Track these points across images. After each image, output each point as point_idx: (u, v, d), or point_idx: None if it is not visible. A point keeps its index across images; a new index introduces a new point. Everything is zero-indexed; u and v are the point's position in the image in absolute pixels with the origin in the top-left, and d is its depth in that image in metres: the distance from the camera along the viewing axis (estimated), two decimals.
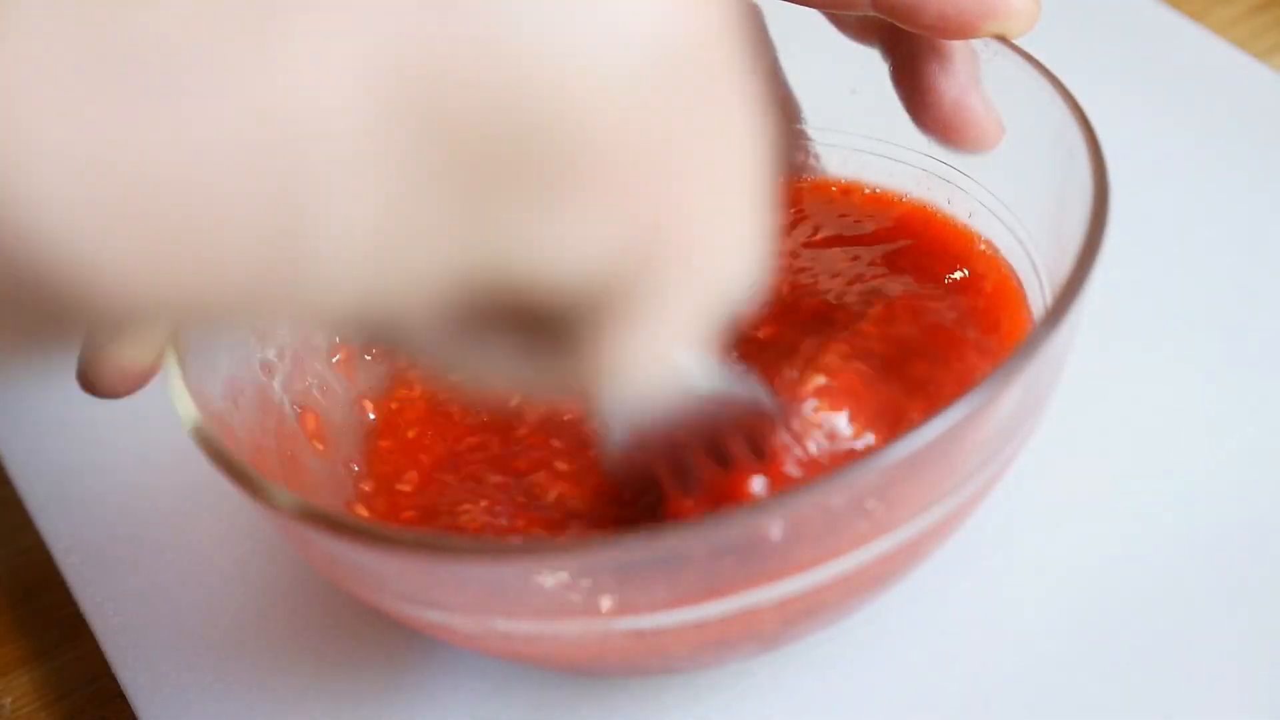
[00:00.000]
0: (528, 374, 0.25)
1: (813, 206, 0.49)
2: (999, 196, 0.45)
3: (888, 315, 0.44)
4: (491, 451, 0.44)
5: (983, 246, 0.46)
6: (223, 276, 0.21)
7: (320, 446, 0.44)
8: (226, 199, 0.20)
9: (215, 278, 0.21)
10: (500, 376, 0.25)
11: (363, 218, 0.21)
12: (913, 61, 0.44)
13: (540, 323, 0.24)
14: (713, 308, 0.25)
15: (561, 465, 0.43)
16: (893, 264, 0.46)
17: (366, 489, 0.44)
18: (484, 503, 0.42)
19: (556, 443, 0.44)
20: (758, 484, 0.39)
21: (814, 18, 0.46)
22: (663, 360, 0.25)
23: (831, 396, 0.40)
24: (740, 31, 0.24)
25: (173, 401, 0.39)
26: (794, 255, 0.47)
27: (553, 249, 0.22)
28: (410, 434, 0.45)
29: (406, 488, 0.44)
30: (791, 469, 0.39)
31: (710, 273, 0.24)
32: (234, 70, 0.20)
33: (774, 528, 0.35)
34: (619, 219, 0.22)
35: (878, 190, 0.49)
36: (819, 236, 0.48)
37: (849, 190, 0.49)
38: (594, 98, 0.21)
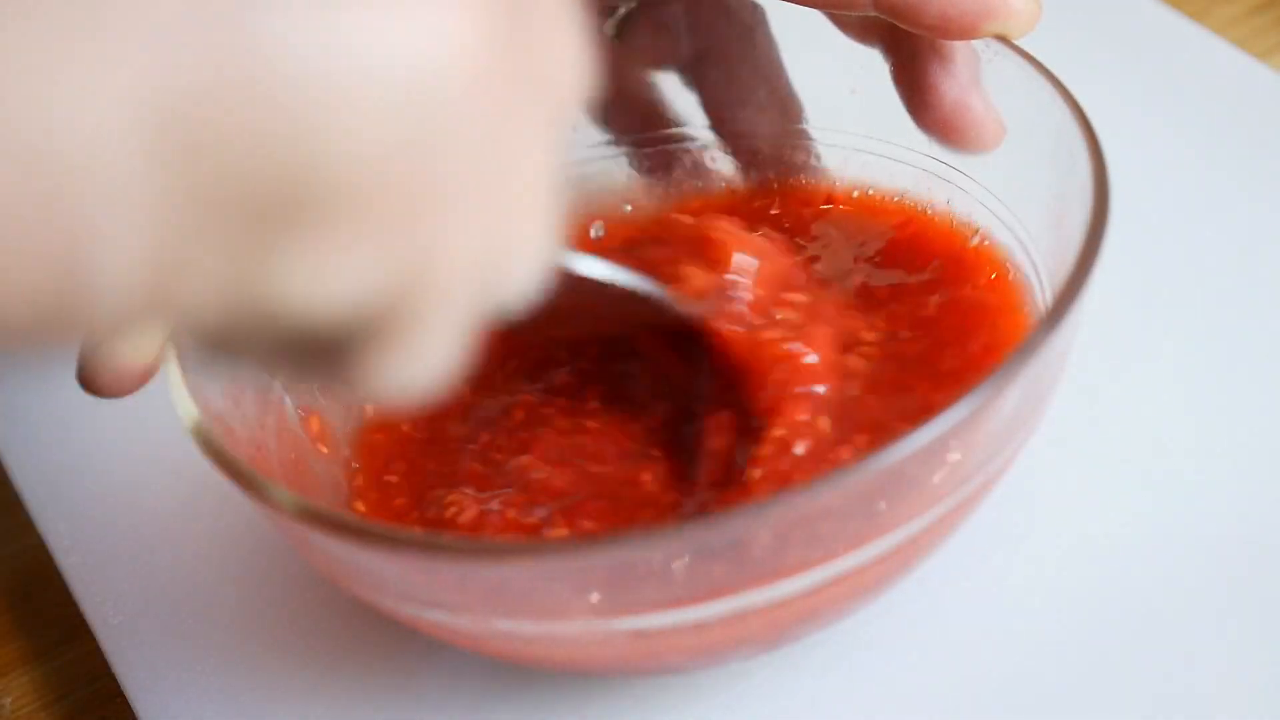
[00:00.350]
0: (312, 380, 0.26)
1: (802, 213, 0.49)
2: (999, 196, 0.45)
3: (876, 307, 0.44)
4: (481, 442, 0.44)
5: (975, 242, 0.46)
6: (8, 312, 0.22)
7: (324, 450, 0.44)
8: (5, 240, 0.21)
9: (3, 309, 0.22)
10: (292, 377, 0.26)
11: (138, 250, 0.22)
12: (914, 62, 0.44)
13: (313, 341, 0.24)
14: (483, 314, 0.26)
15: (548, 450, 0.43)
16: (884, 263, 0.46)
17: (359, 482, 0.44)
18: (469, 490, 0.42)
19: (544, 431, 0.44)
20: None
21: (814, 18, 0.46)
22: (426, 373, 0.26)
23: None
24: (540, 33, 0.25)
25: (173, 401, 0.39)
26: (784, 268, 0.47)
27: (312, 282, 0.23)
28: (404, 427, 0.45)
29: (393, 478, 0.44)
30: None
31: (478, 288, 0.25)
32: (9, 110, 0.20)
33: (773, 528, 0.35)
34: (376, 254, 0.23)
35: (870, 193, 0.49)
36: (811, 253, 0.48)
37: (835, 197, 0.49)
38: (350, 140, 0.22)
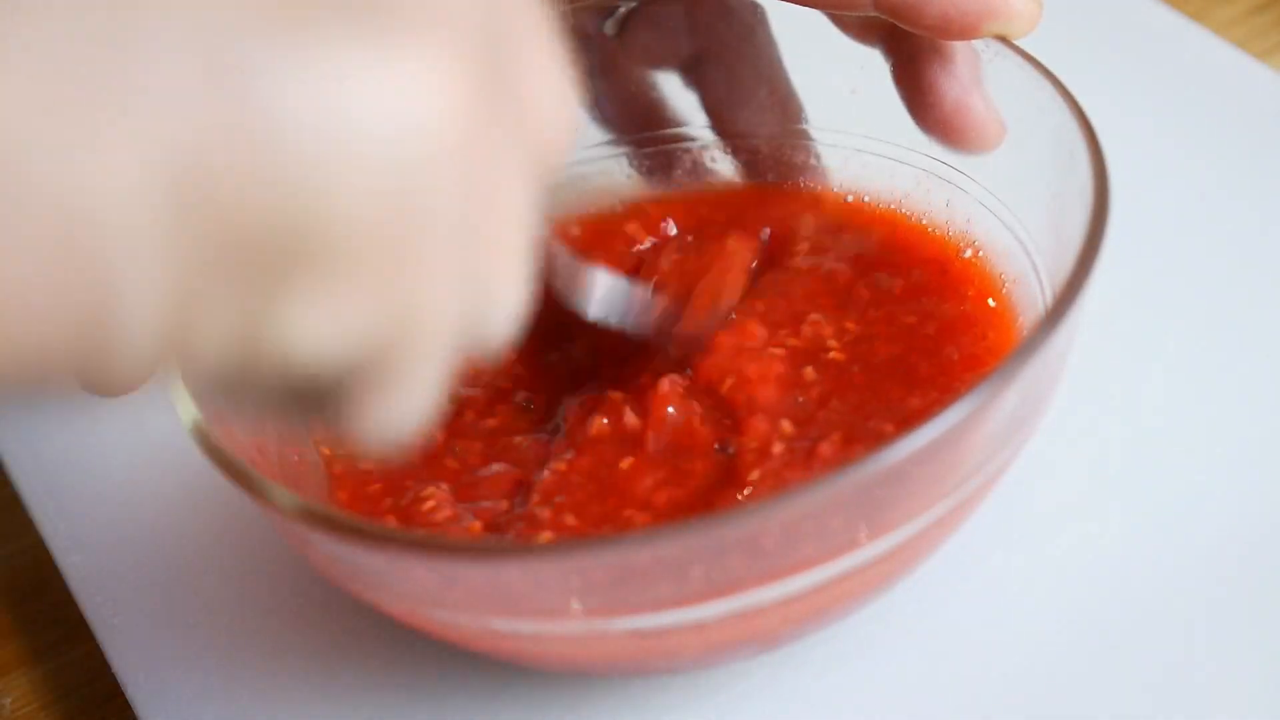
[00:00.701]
0: (304, 424, 0.28)
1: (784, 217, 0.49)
2: (999, 196, 0.45)
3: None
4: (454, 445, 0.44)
5: (969, 254, 0.46)
6: (37, 361, 0.23)
7: (325, 451, 0.44)
8: (36, 293, 0.23)
9: (32, 358, 0.23)
10: (291, 420, 0.28)
11: (156, 301, 0.23)
12: (914, 62, 0.44)
13: (307, 387, 0.26)
14: (463, 355, 0.28)
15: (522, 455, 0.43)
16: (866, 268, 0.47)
17: (338, 469, 0.44)
18: (445, 485, 0.42)
19: (519, 439, 0.44)
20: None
21: (815, 18, 0.46)
22: (410, 417, 0.27)
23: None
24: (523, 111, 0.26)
25: (173, 401, 0.39)
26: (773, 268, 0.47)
27: (308, 330, 0.24)
28: None
29: (369, 464, 0.44)
30: None
31: (460, 332, 0.27)
32: (42, 171, 0.22)
33: (773, 528, 0.35)
34: (366, 303, 0.25)
35: (866, 199, 0.49)
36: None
37: (821, 199, 0.49)
38: (344, 196, 0.24)
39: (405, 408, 0.27)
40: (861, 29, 0.45)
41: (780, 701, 0.42)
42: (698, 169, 0.51)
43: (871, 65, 0.45)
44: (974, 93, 0.43)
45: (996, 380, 0.35)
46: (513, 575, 0.36)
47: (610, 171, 0.51)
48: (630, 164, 0.51)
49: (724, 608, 0.36)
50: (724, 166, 0.51)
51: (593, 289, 0.42)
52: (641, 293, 0.43)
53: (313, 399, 0.26)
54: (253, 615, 0.46)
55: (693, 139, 0.51)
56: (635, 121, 0.51)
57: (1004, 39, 0.43)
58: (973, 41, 0.43)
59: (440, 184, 0.24)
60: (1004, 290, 0.45)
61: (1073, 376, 0.41)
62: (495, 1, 0.26)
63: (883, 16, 0.42)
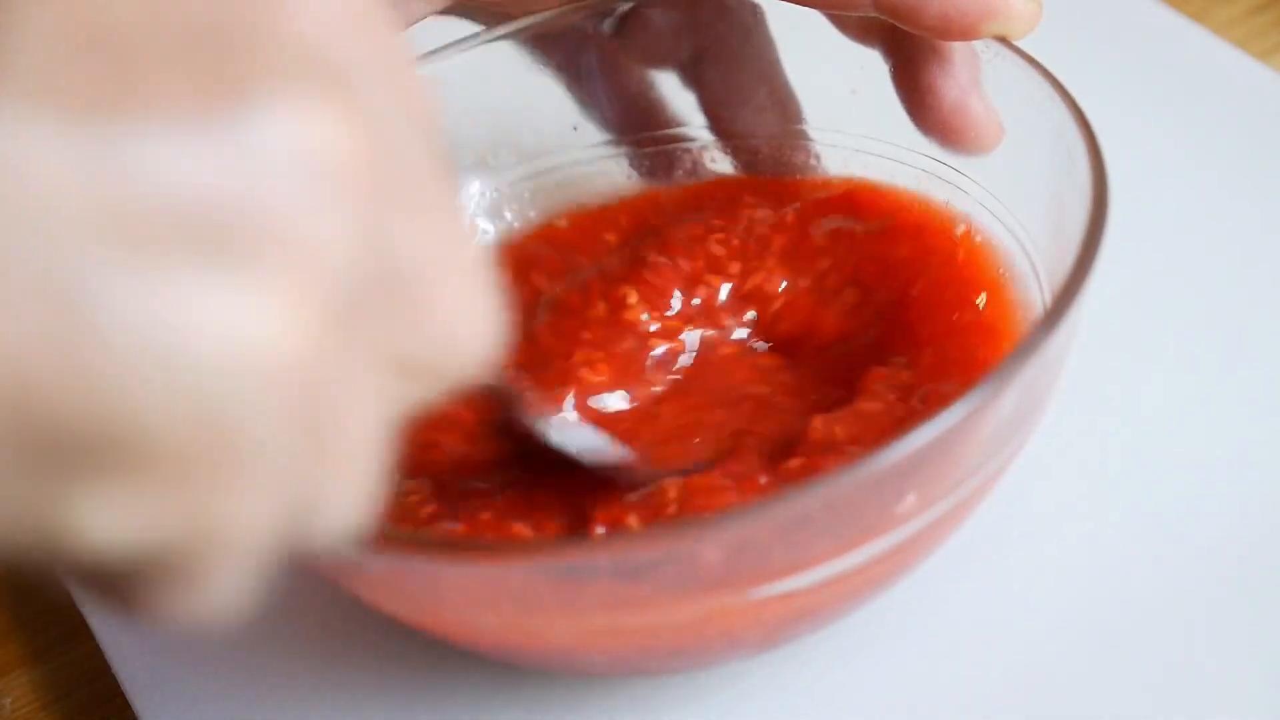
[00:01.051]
0: (113, 601, 0.28)
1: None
2: (999, 196, 0.45)
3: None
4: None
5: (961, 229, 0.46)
6: None
7: None
8: None
9: None
10: (93, 596, 0.28)
11: None
12: (913, 63, 0.44)
13: (105, 567, 0.26)
14: (293, 548, 0.28)
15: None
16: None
17: None
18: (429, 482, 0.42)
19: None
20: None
21: (814, 18, 0.46)
22: (218, 606, 0.28)
23: None
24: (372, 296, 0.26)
25: None
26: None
27: (94, 519, 0.25)
28: None
29: None
30: None
31: (278, 535, 0.27)
32: None
33: (772, 528, 0.35)
34: (157, 506, 0.25)
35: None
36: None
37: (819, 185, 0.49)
38: (146, 404, 0.24)
39: (208, 600, 0.27)
40: (861, 29, 0.45)
41: (780, 701, 0.42)
42: (698, 169, 0.51)
43: (871, 65, 0.45)
44: (972, 94, 0.43)
45: (996, 380, 0.35)
46: (513, 575, 0.36)
47: (610, 172, 0.51)
48: (630, 164, 0.51)
49: (723, 608, 0.36)
50: (724, 166, 0.51)
51: (554, 431, 0.41)
52: (602, 441, 0.42)
53: (112, 580, 0.27)
54: (253, 615, 0.46)
55: (693, 139, 0.51)
56: (635, 121, 0.51)
57: (1003, 39, 0.43)
58: (972, 42, 0.43)
59: (263, 415, 0.24)
60: (1003, 290, 0.45)
61: (1072, 377, 0.41)
62: (387, 238, 0.26)
63: (882, 17, 0.42)
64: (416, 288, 0.27)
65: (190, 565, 0.26)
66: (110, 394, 0.23)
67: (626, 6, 0.49)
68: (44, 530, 0.25)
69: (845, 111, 0.48)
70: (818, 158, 0.50)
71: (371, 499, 0.28)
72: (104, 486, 0.24)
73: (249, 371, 0.24)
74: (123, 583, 0.26)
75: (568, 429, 0.41)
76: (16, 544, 0.26)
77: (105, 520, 0.25)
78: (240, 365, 0.24)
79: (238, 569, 0.27)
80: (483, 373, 0.28)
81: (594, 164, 0.51)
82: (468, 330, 0.27)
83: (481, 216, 0.51)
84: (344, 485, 0.27)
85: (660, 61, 0.50)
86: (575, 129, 0.51)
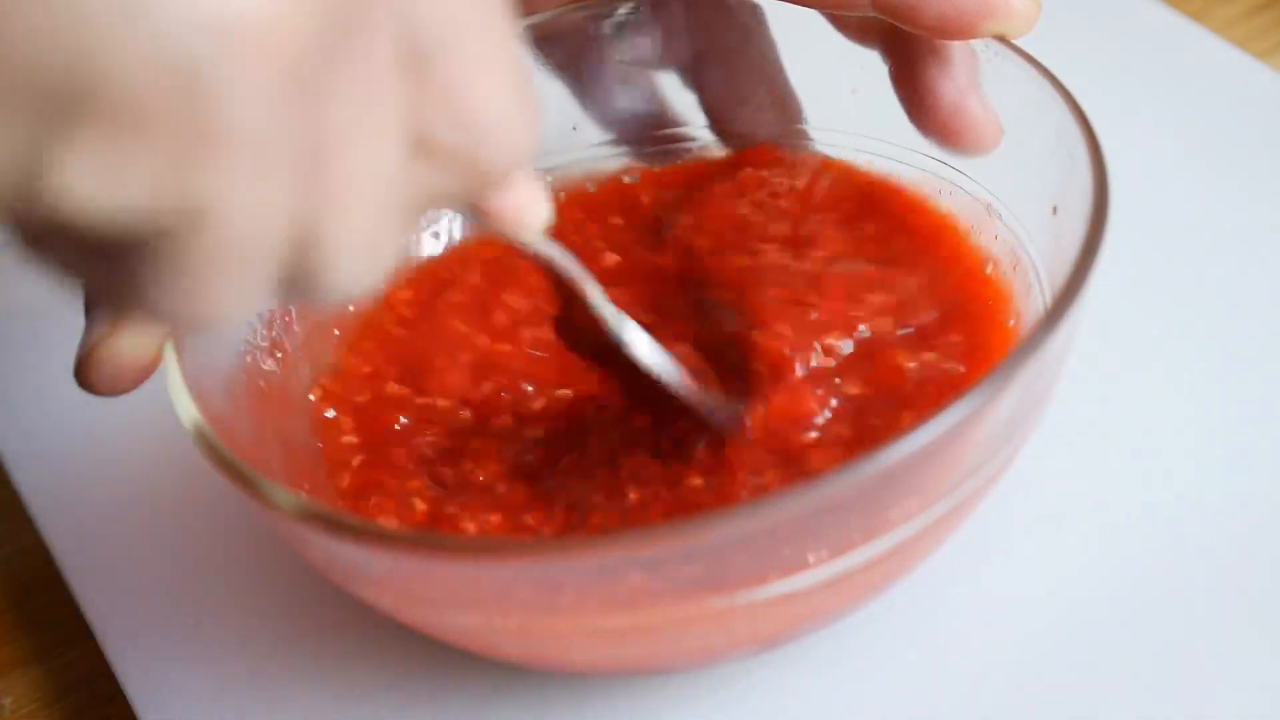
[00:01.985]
0: (114, 296, 0.27)
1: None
2: (999, 196, 0.45)
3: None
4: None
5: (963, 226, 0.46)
6: None
7: (320, 445, 0.44)
8: None
9: None
10: (97, 290, 0.27)
11: None
12: (912, 63, 0.44)
13: (111, 250, 0.25)
14: (300, 288, 0.27)
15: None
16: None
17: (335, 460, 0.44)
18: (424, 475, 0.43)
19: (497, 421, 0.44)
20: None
21: (814, 18, 0.46)
22: (216, 309, 0.26)
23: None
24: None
25: (173, 401, 0.39)
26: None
27: (87, 183, 0.24)
28: (358, 399, 0.46)
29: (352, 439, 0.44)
30: None
31: (282, 253, 0.26)
32: None
33: (772, 527, 0.35)
34: (149, 171, 0.24)
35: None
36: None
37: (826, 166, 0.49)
38: (133, 56, 0.23)
39: (208, 297, 0.26)
40: (860, 30, 0.45)
41: (780, 701, 0.42)
42: None
43: (871, 65, 0.45)
44: (971, 95, 0.43)
45: (995, 381, 0.35)
46: (513, 574, 0.36)
47: (610, 171, 0.51)
48: (630, 164, 0.51)
49: (723, 607, 0.36)
50: None
51: (637, 343, 0.40)
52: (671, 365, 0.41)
53: (114, 267, 0.26)
54: (253, 615, 0.46)
55: (693, 139, 0.51)
56: (635, 121, 0.51)
57: (1003, 39, 0.43)
58: (971, 42, 0.43)
59: (242, 85, 0.24)
60: (1003, 290, 0.45)
61: (1072, 377, 0.41)
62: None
63: (881, 17, 0.42)
64: (443, 62, 0.25)
65: (183, 251, 0.25)
66: (77, 39, 0.23)
67: (627, 7, 0.49)
68: (32, 180, 0.24)
69: (845, 111, 0.48)
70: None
71: (379, 263, 0.26)
72: (85, 142, 0.24)
73: (222, 31, 0.23)
74: (121, 267, 0.25)
75: (645, 341, 0.40)
76: (22, 204, 0.25)
77: (90, 177, 0.24)
78: (214, 23, 0.23)
79: (237, 271, 0.26)
80: (517, 164, 0.26)
81: (594, 164, 0.51)
82: (499, 117, 0.26)
83: None
84: (347, 226, 0.26)
85: (660, 62, 0.50)
86: (575, 129, 0.51)
